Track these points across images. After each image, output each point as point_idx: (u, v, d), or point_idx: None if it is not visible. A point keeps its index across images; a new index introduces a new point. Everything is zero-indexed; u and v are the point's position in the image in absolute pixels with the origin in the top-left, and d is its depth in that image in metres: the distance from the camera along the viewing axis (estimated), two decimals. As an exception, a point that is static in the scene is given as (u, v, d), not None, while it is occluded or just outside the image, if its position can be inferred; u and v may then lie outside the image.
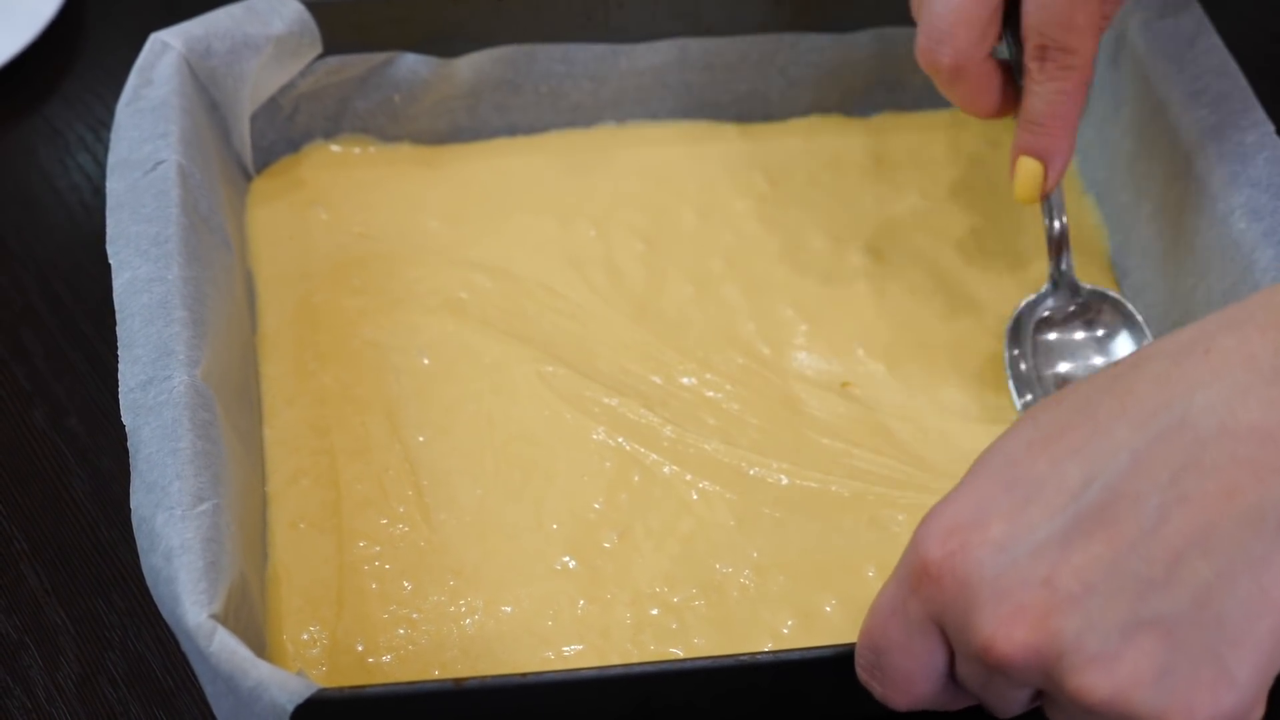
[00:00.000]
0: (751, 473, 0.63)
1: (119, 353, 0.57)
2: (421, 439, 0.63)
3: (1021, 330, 0.66)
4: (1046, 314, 0.66)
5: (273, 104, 0.70)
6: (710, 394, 0.65)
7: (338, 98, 0.71)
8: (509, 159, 0.72)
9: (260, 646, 0.56)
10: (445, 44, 0.70)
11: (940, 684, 0.48)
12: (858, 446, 0.64)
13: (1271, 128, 0.64)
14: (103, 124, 0.76)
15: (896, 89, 0.74)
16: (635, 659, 0.58)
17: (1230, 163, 0.63)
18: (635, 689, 0.52)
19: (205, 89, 0.66)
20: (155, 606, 0.53)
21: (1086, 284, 0.66)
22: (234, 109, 0.68)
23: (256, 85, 0.68)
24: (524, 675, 0.51)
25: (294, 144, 0.72)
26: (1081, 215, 0.72)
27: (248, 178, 0.71)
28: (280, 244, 0.69)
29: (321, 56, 0.69)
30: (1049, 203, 0.64)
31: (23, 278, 0.71)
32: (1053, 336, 0.65)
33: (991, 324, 0.68)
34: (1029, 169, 0.62)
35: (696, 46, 0.72)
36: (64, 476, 0.65)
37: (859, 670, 0.49)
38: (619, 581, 0.60)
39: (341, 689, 0.50)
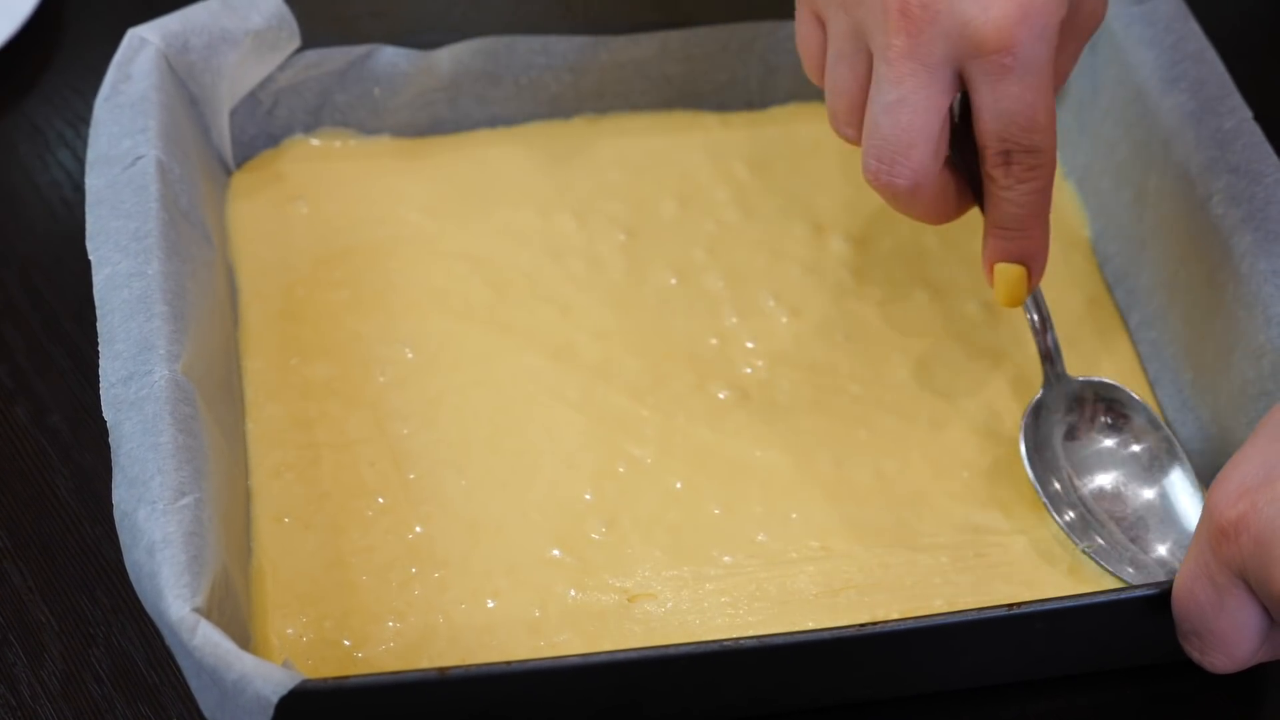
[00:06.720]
0: (736, 461, 0.63)
1: (99, 348, 0.57)
2: (406, 431, 0.63)
3: (1042, 446, 0.62)
4: (1064, 425, 0.62)
5: (252, 98, 0.70)
6: (693, 383, 0.65)
7: (317, 91, 0.71)
8: (490, 150, 0.72)
9: (245, 641, 0.55)
10: (424, 36, 0.70)
11: (1258, 640, 0.50)
12: (840, 432, 0.64)
13: (1249, 113, 0.64)
14: (82, 120, 0.76)
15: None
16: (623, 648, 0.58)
17: (1209, 148, 0.64)
18: (621, 676, 0.52)
19: (184, 84, 0.66)
20: (139, 602, 0.53)
21: (1078, 377, 0.63)
22: (213, 103, 0.68)
23: (235, 80, 0.68)
24: (508, 664, 0.51)
25: (274, 138, 0.71)
26: (1062, 202, 0.72)
27: (228, 172, 0.70)
28: (261, 238, 0.69)
29: (300, 50, 0.69)
30: (1034, 299, 0.62)
31: (3, 274, 0.71)
32: (1085, 450, 0.62)
33: (973, 310, 0.68)
34: (1012, 274, 0.59)
35: (677, 39, 0.72)
36: (47, 474, 0.65)
37: (1180, 641, 0.52)
38: (606, 571, 0.60)
39: (326, 680, 0.50)
